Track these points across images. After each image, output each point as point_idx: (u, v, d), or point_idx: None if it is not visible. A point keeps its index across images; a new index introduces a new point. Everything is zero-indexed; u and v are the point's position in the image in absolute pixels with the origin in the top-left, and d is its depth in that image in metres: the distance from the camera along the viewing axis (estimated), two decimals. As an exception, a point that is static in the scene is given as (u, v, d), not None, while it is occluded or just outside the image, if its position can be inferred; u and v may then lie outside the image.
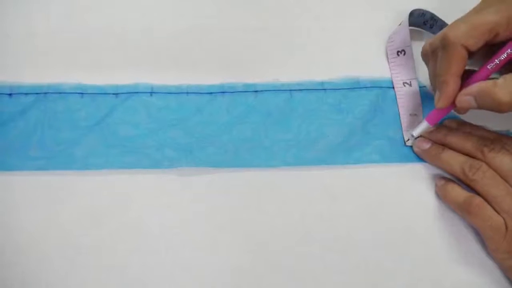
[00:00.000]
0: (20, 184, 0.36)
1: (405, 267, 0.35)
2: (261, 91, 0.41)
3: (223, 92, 0.41)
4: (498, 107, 0.33)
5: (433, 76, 0.37)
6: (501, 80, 0.33)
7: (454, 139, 0.37)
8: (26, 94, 0.39)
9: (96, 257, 0.34)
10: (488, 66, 0.35)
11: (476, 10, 0.34)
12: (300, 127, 0.39)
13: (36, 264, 0.34)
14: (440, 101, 0.35)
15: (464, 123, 0.39)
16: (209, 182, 0.37)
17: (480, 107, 0.34)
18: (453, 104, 0.35)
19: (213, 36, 0.43)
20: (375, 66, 0.42)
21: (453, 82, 0.34)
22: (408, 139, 0.39)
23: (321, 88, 0.41)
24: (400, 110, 0.40)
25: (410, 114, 0.40)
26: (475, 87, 0.34)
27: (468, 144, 0.36)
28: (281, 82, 0.41)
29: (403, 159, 0.39)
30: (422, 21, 0.43)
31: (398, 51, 0.42)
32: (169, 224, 0.36)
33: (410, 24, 0.42)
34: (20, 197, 0.36)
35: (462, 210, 0.35)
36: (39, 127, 0.38)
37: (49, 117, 0.39)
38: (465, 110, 0.36)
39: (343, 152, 0.39)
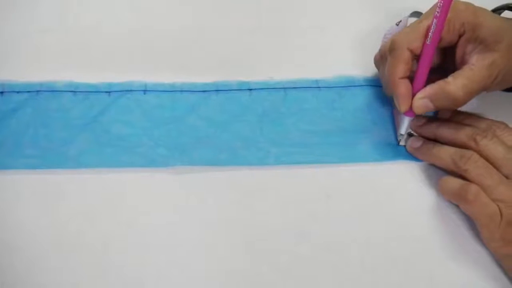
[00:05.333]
0: (12, 182, 0.36)
1: (400, 265, 0.35)
2: (256, 89, 0.41)
3: (217, 91, 0.40)
4: (454, 103, 0.36)
5: (384, 80, 0.39)
6: (450, 78, 0.35)
7: (446, 130, 0.37)
8: (18, 92, 0.39)
9: (89, 256, 0.34)
10: (427, 41, 0.36)
11: (420, 19, 0.37)
12: (294, 125, 0.39)
13: (29, 263, 0.34)
14: (401, 106, 0.37)
15: (457, 112, 0.39)
16: (204, 180, 0.37)
17: (436, 107, 0.36)
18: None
19: (207, 34, 0.43)
20: (370, 65, 0.42)
21: (403, 85, 0.36)
22: (400, 139, 0.39)
23: (316, 86, 0.41)
24: (394, 110, 0.40)
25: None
26: (428, 89, 0.36)
27: (461, 134, 0.36)
28: (276, 80, 0.41)
29: (397, 157, 0.39)
30: None
31: None
32: (163, 223, 0.36)
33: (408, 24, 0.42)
34: (13, 195, 0.36)
35: (458, 198, 0.35)
36: (31, 126, 0.38)
37: (41, 116, 0.39)
38: (423, 112, 0.37)
39: (338, 151, 0.39)
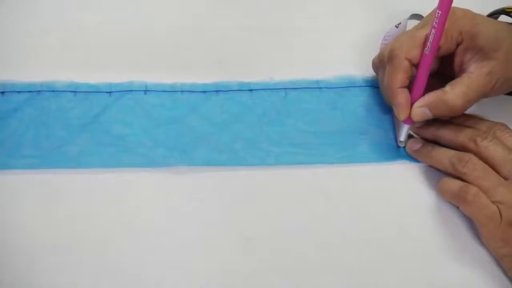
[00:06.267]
0: (12, 182, 0.36)
1: (400, 266, 0.35)
2: (256, 90, 0.41)
3: (218, 91, 0.40)
4: (452, 111, 0.36)
5: (382, 87, 0.39)
6: (448, 87, 0.36)
7: (446, 132, 0.38)
8: (19, 92, 0.39)
9: (90, 256, 0.34)
10: (425, 51, 0.35)
11: (418, 27, 0.37)
12: (294, 125, 0.39)
13: (29, 263, 0.34)
14: (400, 115, 0.37)
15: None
16: (204, 181, 0.37)
17: (435, 115, 0.37)
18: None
19: (208, 35, 0.43)
20: (370, 65, 0.42)
21: (401, 94, 0.37)
22: (400, 145, 0.39)
23: (316, 86, 0.41)
24: (394, 112, 0.40)
25: None
26: (426, 98, 0.36)
27: (461, 135, 0.37)
28: (276, 81, 0.41)
29: (397, 158, 0.39)
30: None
31: None
32: (163, 223, 0.36)
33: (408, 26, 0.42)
34: (13, 195, 0.36)
35: (458, 199, 0.35)
36: (32, 126, 0.38)
37: (42, 116, 0.39)
38: (422, 120, 0.37)
39: (338, 151, 0.39)
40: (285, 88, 0.41)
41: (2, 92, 0.39)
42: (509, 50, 0.35)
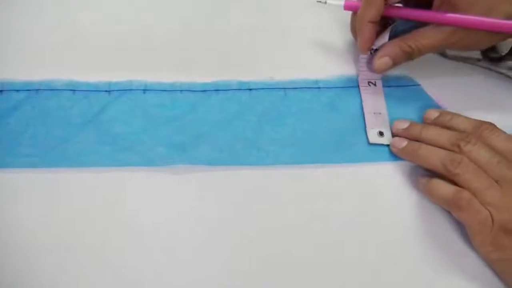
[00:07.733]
0: (11, 181, 0.36)
1: (399, 265, 0.35)
2: (256, 89, 0.41)
3: (217, 90, 0.40)
4: (409, 56, 0.39)
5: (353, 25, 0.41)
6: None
7: (430, 135, 0.37)
8: (17, 90, 0.39)
9: (88, 256, 0.34)
10: None
11: None
12: (294, 125, 0.39)
13: (27, 262, 0.34)
14: (360, 47, 0.40)
15: (444, 112, 0.39)
16: (203, 180, 0.37)
17: (395, 62, 0.39)
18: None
19: (207, 34, 0.43)
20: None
21: (367, 29, 0.39)
22: (372, 137, 0.39)
23: (315, 86, 0.41)
24: (364, 109, 0.40)
25: (374, 113, 0.40)
26: (386, 48, 0.39)
27: (444, 140, 0.36)
28: (276, 80, 0.41)
29: (397, 158, 0.39)
30: None
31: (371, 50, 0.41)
32: (162, 223, 0.35)
33: None
34: (12, 194, 0.36)
35: (450, 205, 0.35)
36: (31, 124, 0.38)
37: (41, 114, 0.38)
38: (383, 70, 0.40)
39: (337, 151, 0.39)
40: (284, 88, 0.41)
41: (1, 91, 0.39)
42: (481, 12, 0.36)
